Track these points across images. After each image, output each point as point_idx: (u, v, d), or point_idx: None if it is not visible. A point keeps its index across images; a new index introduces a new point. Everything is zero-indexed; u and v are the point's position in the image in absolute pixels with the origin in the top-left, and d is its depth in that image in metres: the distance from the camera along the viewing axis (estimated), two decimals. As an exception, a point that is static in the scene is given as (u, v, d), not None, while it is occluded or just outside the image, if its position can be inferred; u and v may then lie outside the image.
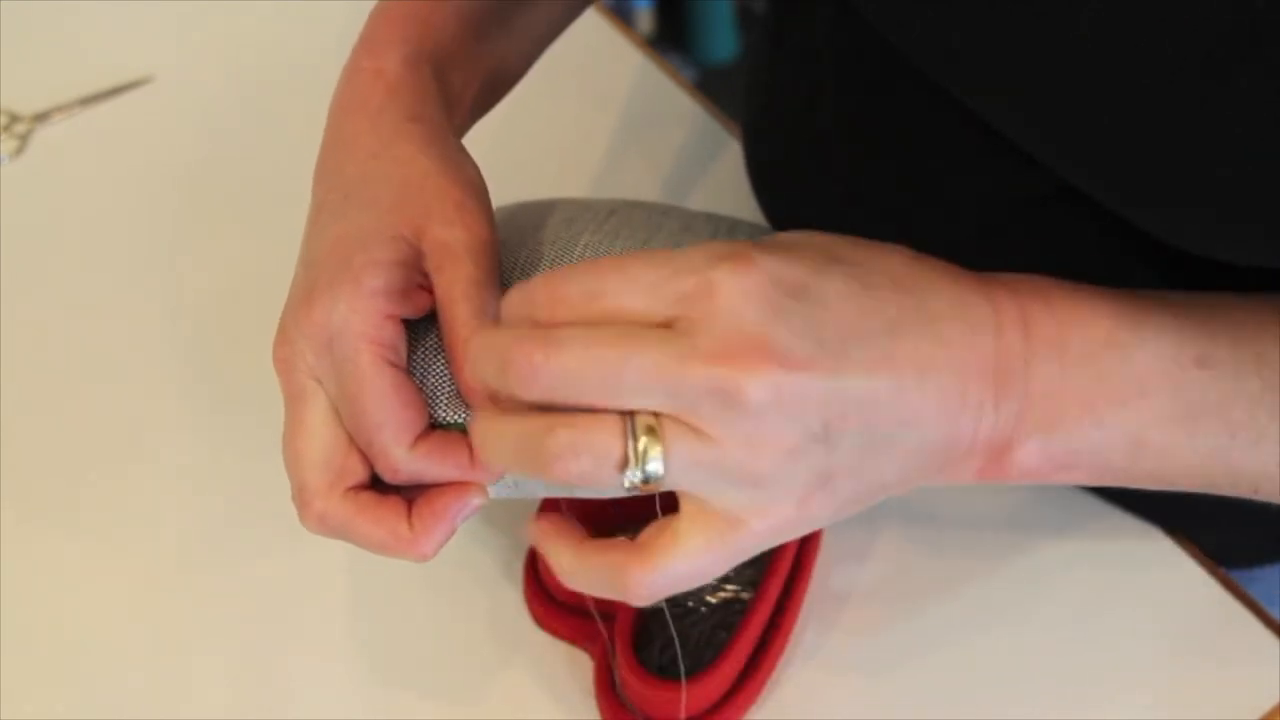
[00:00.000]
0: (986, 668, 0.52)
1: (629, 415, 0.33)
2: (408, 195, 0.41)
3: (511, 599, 0.53)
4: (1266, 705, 0.50)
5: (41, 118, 0.72)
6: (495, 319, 0.40)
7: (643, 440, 0.33)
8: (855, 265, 0.36)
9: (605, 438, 0.33)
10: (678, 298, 0.33)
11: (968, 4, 0.38)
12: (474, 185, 0.43)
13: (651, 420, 0.33)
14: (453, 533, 0.40)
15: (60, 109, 0.72)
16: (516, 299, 0.35)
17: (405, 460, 0.39)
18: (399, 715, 0.50)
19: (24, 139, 0.71)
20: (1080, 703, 0.50)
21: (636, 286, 0.34)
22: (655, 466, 0.33)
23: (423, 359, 0.42)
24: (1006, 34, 0.38)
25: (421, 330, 0.43)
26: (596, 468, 0.33)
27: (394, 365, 0.39)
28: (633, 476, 0.33)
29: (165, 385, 0.61)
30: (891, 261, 0.37)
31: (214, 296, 0.64)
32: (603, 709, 0.49)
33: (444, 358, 0.42)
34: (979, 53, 0.39)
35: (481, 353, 0.34)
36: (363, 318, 0.39)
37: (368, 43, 0.45)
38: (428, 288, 0.41)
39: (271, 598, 0.54)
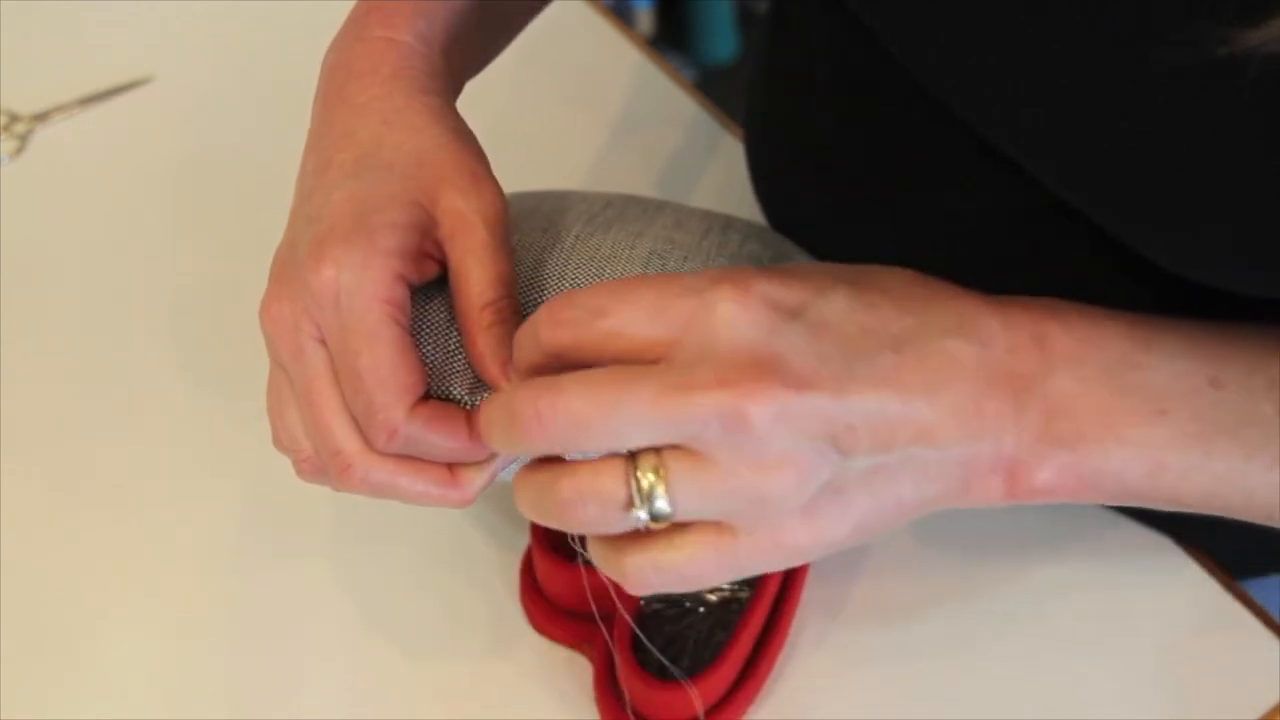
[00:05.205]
0: (986, 666, 0.52)
1: (632, 456, 0.33)
2: (422, 162, 0.41)
3: (510, 600, 0.53)
4: (1266, 705, 0.50)
5: (41, 118, 0.72)
6: (507, 288, 0.41)
7: (646, 480, 0.33)
8: (856, 285, 0.36)
9: (607, 482, 0.33)
10: (677, 318, 0.34)
11: (973, 29, 0.39)
12: (484, 159, 0.43)
13: (655, 459, 0.33)
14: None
15: (60, 109, 0.72)
16: (524, 332, 0.36)
17: (404, 421, 0.39)
18: (399, 716, 0.50)
19: (24, 139, 0.71)
20: (1082, 703, 0.50)
21: (636, 308, 0.34)
22: (661, 505, 0.33)
23: (428, 333, 0.42)
24: (1007, 55, 0.38)
25: (425, 305, 0.43)
26: (604, 512, 0.33)
27: (402, 326, 0.40)
28: (641, 516, 0.33)
29: (166, 384, 0.61)
30: (894, 281, 0.37)
31: (214, 296, 0.64)
32: (602, 710, 0.49)
33: (449, 331, 0.42)
34: (984, 74, 0.39)
35: (490, 412, 0.35)
36: (375, 275, 0.39)
37: (381, 11, 0.45)
38: (436, 256, 0.41)
39: (270, 599, 0.54)
